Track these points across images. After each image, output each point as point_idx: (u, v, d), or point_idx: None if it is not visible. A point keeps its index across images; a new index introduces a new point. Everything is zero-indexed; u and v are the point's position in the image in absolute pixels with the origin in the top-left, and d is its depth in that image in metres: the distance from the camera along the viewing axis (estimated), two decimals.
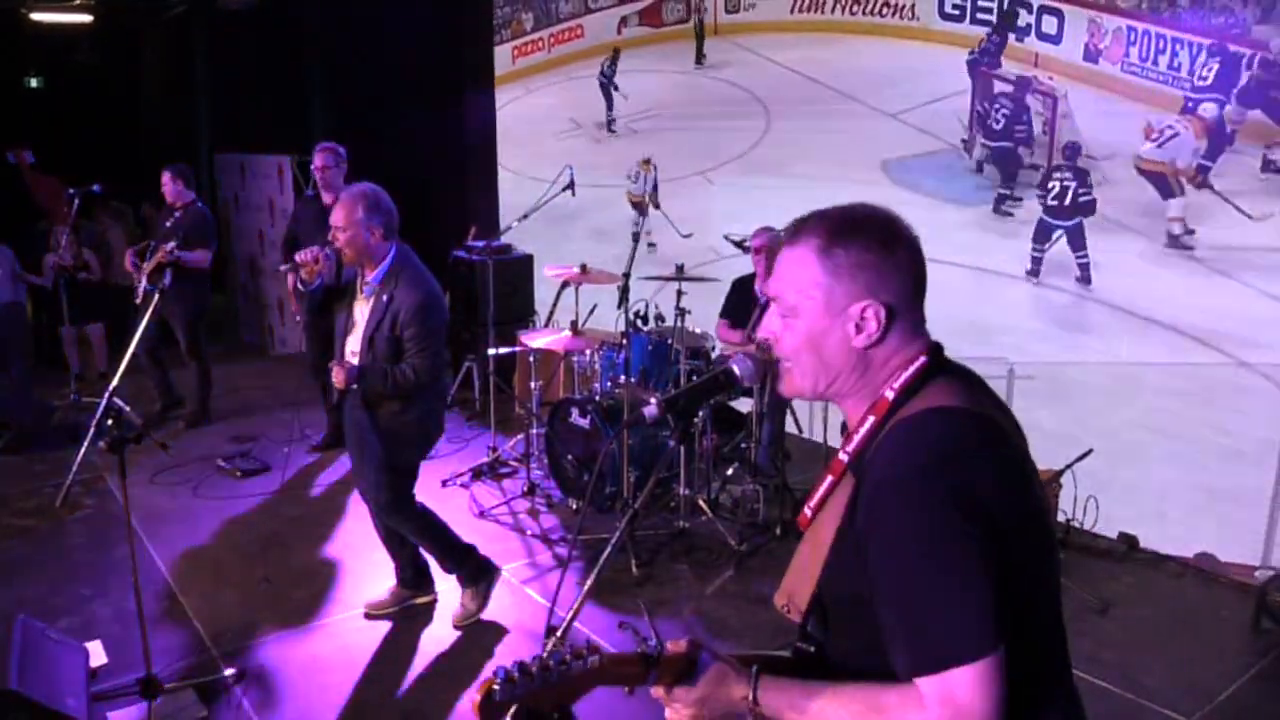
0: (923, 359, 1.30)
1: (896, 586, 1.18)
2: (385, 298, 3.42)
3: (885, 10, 5.47)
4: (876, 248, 1.28)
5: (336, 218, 3.39)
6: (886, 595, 1.20)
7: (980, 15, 4.98)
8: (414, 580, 3.90)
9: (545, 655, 1.22)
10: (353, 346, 3.53)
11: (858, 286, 1.28)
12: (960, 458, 1.20)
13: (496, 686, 1.16)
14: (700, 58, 6.51)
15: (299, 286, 3.58)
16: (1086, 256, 4.67)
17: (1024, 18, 4.79)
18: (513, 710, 1.19)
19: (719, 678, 1.30)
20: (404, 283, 3.42)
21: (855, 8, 5.63)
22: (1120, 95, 4.45)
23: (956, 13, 5.09)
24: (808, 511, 1.37)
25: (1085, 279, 4.72)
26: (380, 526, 3.84)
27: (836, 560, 1.28)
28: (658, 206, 6.26)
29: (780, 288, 1.34)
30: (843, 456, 1.32)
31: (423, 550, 3.83)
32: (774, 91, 6.22)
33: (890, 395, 1.29)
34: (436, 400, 3.69)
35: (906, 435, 1.24)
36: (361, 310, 3.53)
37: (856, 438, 1.31)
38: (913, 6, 5.31)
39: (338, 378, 3.43)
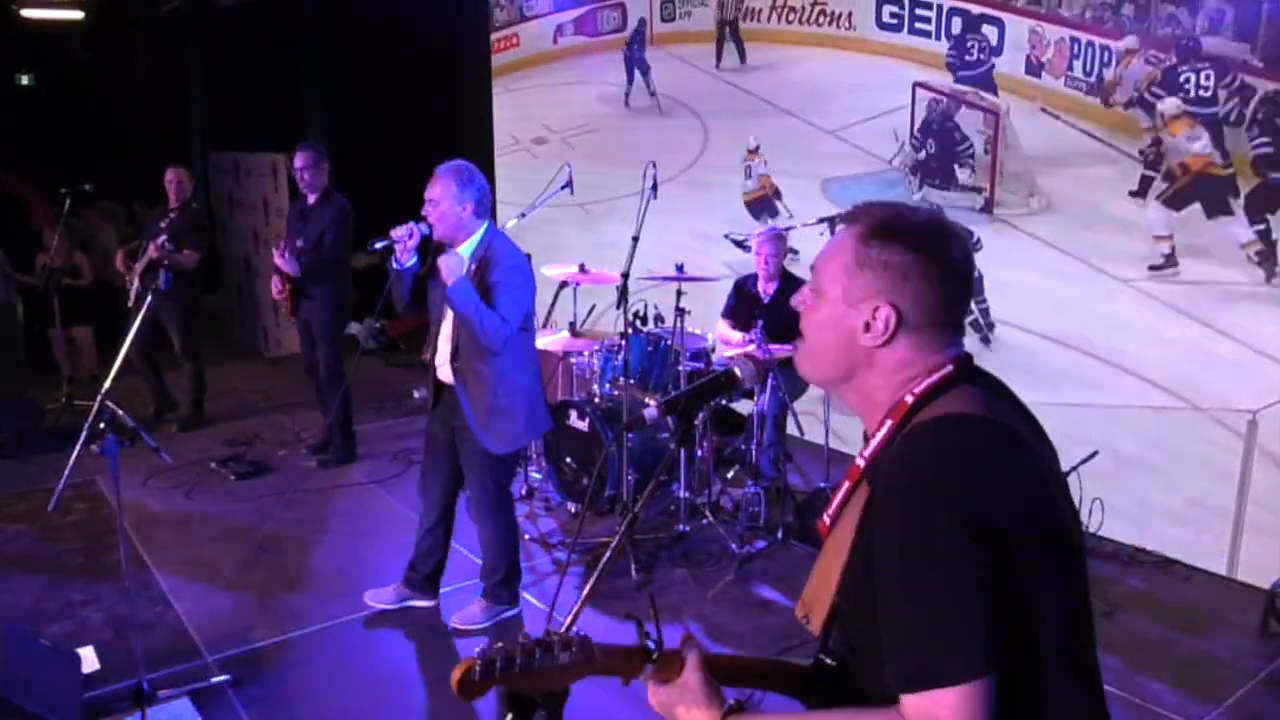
0: (949, 368, 1.27)
1: (892, 598, 1.15)
2: (474, 267, 3.42)
3: (821, 19, 5.33)
4: (910, 252, 1.26)
5: (431, 192, 3.40)
6: (883, 606, 1.17)
7: (918, 25, 4.86)
8: (422, 583, 3.85)
9: (532, 640, 1.18)
10: (447, 330, 3.52)
11: (878, 284, 1.26)
12: (970, 468, 1.16)
13: (477, 667, 1.13)
14: (718, 58, 6.14)
15: (393, 265, 3.53)
16: (985, 301, 4.68)
17: (960, 27, 4.63)
18: (499, 691, 1.17)
19: (682, 692, 1.28)
20: (494, 254, 3.43)
21: (791, 16, 5.49)
22: (1064, 110, 4.31)
23: (894, 22, 4.98)
24: (827, 519, 1.34)
25: (989, 325, 4.70)
26: (435, 520, 3.80)
27: (852, 569, 1.25)
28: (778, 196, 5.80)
29: (819, 263, 1.34)
30: (859, 462, 1.29)
31: (487, 551, 3.76)
32: (710, 105, 6.06)
33: (910, 400, 1.26)
34: (534, 387, 3.64)
35: (918, 441, 1.20)
36: None
37: (874, 442, 1.28)
38: (849, 16, 5.17)
39: (445, 268, 3.31)
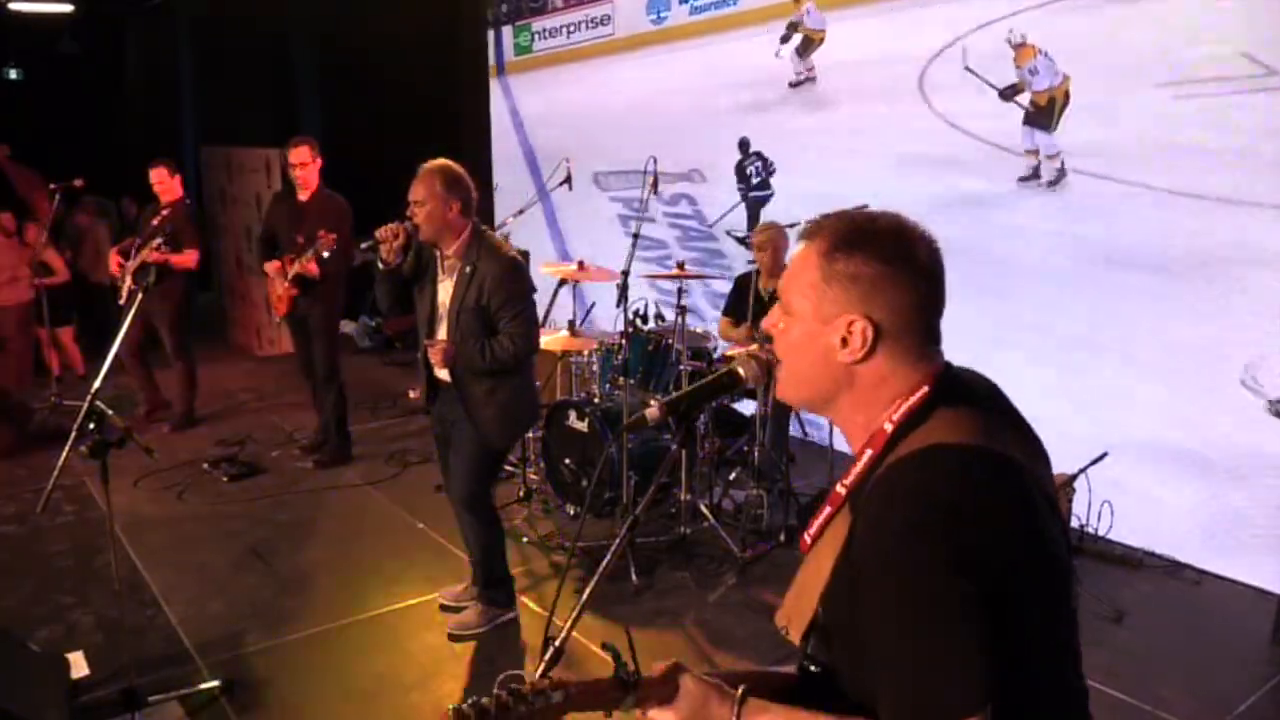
0: (925, 389, 1.23)
1: (883, 636, 1.15)
2: (468, 270, 3.40)
3: None
4: (877, 261, 1.22)
5: (416, 192, 3.37)
6: (875, 642, 1.16)
7: None
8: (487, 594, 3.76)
9: (508, 692, 1.17)
10: (442, 333, 3.49)
11: (848, 298, 1.23)
12: (958, 508, 1.13)
13: None
14: None
15: (379, 265, 3.51)
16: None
17: None
18: None
19: (701, 700, 1.27)
20: (485, 253, 3.41)
21: None
22: None
23: None
24: (807, 538, 1.33)
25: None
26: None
27: (834, 592, 1.24)
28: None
29: (784, 283, 1.32)
30: (840, 489, 1.27)
31: (472, 552, 3.74)
32: None
33: (889, 428, 1.23)
34: (527, 379, 3.63)
35: (902, 479, 1.17)
36: (445, 289, 3.49)
37: (854, 471, 1.25)
38: None
39: (435, 357, 3.43)
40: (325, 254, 5.00)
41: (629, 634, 1.32)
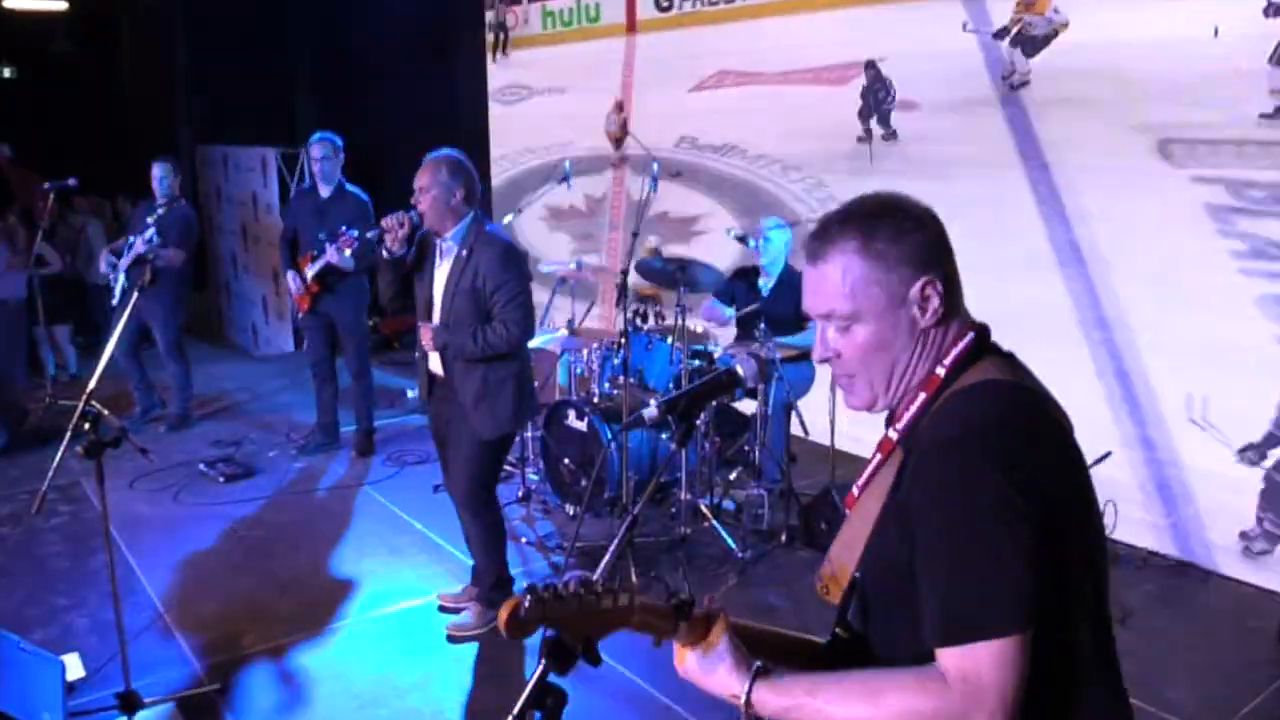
0: (971, 335, 1.30)
1: (935, 549, 1.16)
2: (464, 253, 3.44)
3: None
4: (910, 227, 1.28)
5: (422, 179, 3.43)
6: (924, 559, 1.17)
7: None
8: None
9: (580, 582, 1.19)
10: (437, 318, 3.52)
11: (909, 269, 1.27)
12: (1016, 426, 1.18)
13: (526, 603, 1.13)
14: None
15: (384, 254, 3.54)
16: None
17: None
18: (540, 630, 1.17)
19: (713, 663, 1.27)
20: (483, 238, 3.46)
21: None
22: None
23: None
24: (855, 491, 1.36)
25: None
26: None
27: (881, 534, 1.27)
28: None
29: (830, 301, 1.29)
30: (892, 434, 1.31)
31: (473, 553, 3.74)
32: None
33: (942, 373, 1.28)
34: (522, 370, 3.62)
35: (961, 405, 1.23)
36: (442, 274, 3.53)
37: (907, 415, 1.29)
38: None
39: (425, 339, 3.49)
40: (347, 251, 4.99)
41: (684, 566, 1.33)
